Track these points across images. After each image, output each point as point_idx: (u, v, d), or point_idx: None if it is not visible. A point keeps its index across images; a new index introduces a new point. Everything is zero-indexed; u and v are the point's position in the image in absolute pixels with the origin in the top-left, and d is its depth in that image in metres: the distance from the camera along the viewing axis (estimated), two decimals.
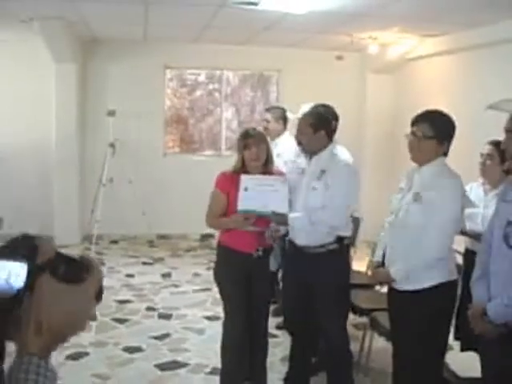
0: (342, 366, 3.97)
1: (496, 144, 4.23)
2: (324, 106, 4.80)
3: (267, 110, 6.21)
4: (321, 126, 3.84)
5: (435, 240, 3.12)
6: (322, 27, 6.91)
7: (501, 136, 4.25)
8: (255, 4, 5.38)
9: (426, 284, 3.16)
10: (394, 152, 8.50)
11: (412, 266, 3.20)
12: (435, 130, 3.21)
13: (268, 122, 5.97)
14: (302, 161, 4.03)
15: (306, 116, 3.92)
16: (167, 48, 8.80)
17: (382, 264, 3.44)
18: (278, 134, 6.00)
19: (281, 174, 4.13)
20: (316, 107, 4.00)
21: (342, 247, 3.90)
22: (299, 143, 3.97)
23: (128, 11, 6.22)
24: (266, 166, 4.05)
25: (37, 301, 0.96)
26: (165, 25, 7.10)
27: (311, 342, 4.20)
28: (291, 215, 3.80)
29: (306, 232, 3.79)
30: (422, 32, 7.14)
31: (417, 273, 3.20)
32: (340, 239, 3.85)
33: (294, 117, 5.72)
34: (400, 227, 3.32)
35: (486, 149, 4.26)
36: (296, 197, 3.88)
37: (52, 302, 0.97)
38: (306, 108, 5.40)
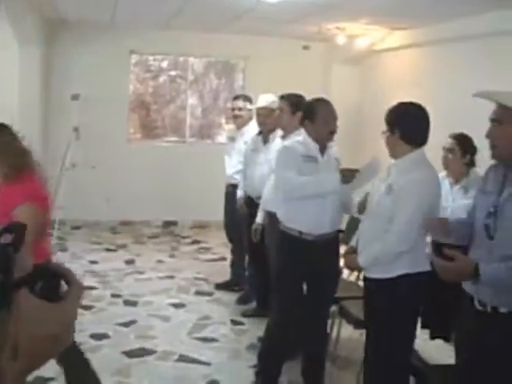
0: (324, 352, 4.05)
1: (457, 138, 4.31)
2: (291, 95, 4.82)
3: (237, 97, 6.19)
4: None
5: (399, 230, 3.15)
6: (292, 17, 6.91)
7: (466, 130, 4.37)
8: None
9: (393, 273, 3.19)
10: (357, 142, 8.56)
11: (376, 253, 3.24)
12: (386, 122, 3.30)
13: (241, 109, 5.97)
14: (309, 149, 3.97)
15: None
16: (134, 33, 8.67)
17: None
18: (247, 122, 6.01)
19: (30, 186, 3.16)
20: None
21: (338, 233, 4.06)
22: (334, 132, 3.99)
23: None
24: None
25: (14, 321, 0.84)
26: (135, 9, 6.99)
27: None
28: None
29: (331, 219, 3.86)
30: (390, 25, 7.20)
31: (383, 261, 3.25)
32: None
33: (252, 106, 5.74)
34: (371, 217, 3.38)
35: (448, 143, 4.34)
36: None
37: (32, 321, 0.84)
38: (264, 98, 5.42)
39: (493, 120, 2.58)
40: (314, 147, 3.91)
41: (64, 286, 0.91)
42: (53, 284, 0.89)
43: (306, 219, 3.84)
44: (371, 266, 3.31)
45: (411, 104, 3.33)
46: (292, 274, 3.94)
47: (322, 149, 3.92)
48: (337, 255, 4.04)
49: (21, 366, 0.85)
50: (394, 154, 3.29)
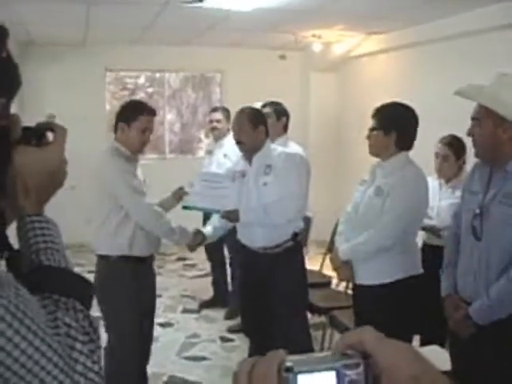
0: None
1: (449, 144, 4.25)
2: (273, 103, 4.78)
3: (215, 109, 6.08)
4: (260, 121, 3.79)
5: (387, 223, 3.08)
6: (266, 25, 6.85)
7: (447, 130, 4.31)
8: (201, 1, 5.28)
9: (391, 278, 3.12)
10: (338, 149, 8.51)
11: (357, 245, 3.16)
12: (380, 121, 3.23)
13: (219, 121, 5.87)
14: (240, 163, 3.91)
15: (243, 113, 3.80)
16: (107, 50, 8.55)
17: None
18: (225, 134, 5.90)
19: None
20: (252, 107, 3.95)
21: (298, 244, 3.87)
22: (239, 142, 3.79)
23: (68, 12, 5.97)
24: None
25: (18, 169, 1.10)
26: (107, 26, 6.89)
27: (270, 344, 4.10)
28: (243, 208, 3.70)
29: (263, 233, 3.71)
30: (366, 30, 7.16)
31: (362, 253, 3.17)
32: (295, 235, 3.80)
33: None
34: (360, 220, 3.27)
35: (440, 149, 4.26)
36: (244, 200, 3.77)
37: (31, 164, 1.12)
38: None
39: (473, 119, 2.58)
40: (242, 160, 3.88)
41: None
42: (41, 134, 1.16)
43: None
44: (351, 258, 3.24)
45: (407, 107, 3.28)
46: (247, 286, 4.02)
47: (250, 157, 3.80)
48: (290, 265, 3.88)
49: (33, 200, 1.14)
50: (381, 155, 3.22)
